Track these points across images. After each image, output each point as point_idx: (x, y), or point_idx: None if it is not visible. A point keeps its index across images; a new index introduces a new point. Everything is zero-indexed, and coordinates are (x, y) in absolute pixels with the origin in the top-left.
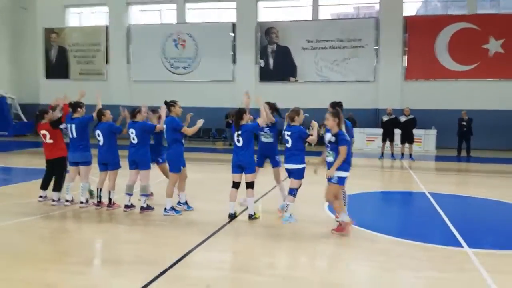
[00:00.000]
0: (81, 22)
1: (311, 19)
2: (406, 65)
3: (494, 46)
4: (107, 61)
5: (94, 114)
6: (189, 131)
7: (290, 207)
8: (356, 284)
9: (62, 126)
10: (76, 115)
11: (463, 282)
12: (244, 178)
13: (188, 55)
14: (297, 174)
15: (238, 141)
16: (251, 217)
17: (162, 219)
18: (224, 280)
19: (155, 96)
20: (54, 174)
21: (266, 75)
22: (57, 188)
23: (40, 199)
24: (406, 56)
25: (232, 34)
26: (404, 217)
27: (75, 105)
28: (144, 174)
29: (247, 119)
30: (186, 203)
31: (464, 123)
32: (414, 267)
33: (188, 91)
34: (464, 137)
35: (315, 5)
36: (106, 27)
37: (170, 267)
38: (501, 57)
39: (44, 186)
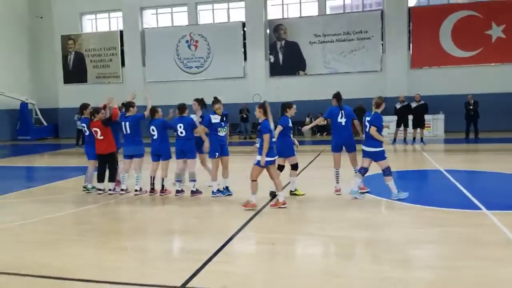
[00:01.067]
0: (96, 28)
1: (317, 14)
2: (411, 54)
3: (496, 31)
4: (123, 64)
5: (146, 113)
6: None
7: (392, 185)
8: (398, 239)
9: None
10: (129, 114)
11: (485, 232)
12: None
13: (200, 55)
14: (376, 156)
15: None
16: (291, 192)
17: (211, 199)
18: (285, 240)
19: (170, 95)
20: (108, 167)
21: (276, 70)
22: (112, 179)
23: (100, 191)
24: (411, 45)
25: (243, 32)
26: (426, 190)
27: (128, 105)
28: (192, 162)
29: (291, 113)
30: (227, 188)
31: (471, 107)
32: (443, 225)
33: (202, 89)
34: (472, 120)
35: (321, 1)
36: (121, 32)
37: (237, 232)
38: (503, 42)
39: (101, 179)
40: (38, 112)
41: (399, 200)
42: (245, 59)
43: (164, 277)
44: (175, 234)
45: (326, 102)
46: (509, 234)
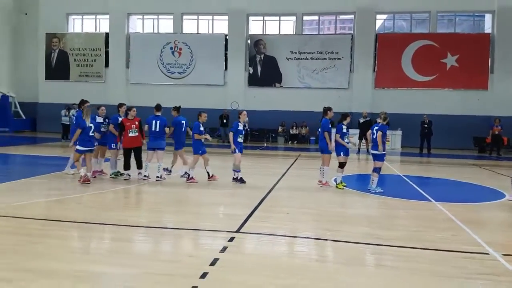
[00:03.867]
0: (82, 28)
1: (294, 33)
2: (376, 75)
3: (450, 60)
4: (106, 65)
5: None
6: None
7: (375, 181)
8: (376, 214)
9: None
10: (158, 114)
11: (433, 213)
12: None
13: (183, 62)
14: (378, 157)
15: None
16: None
17: (223, 184)
18: (294, 210)
19: (152, 97)
20: (135, 157)
21: (254, 80)
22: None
23: (127, 177)
24: (376, 67)
25: (225, 44)
26: (390, 187)
27: (158, 107)
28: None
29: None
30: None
31: (426, 125)
32: (405, 208)
33: (183, 94)
34: (426, 137)
35: (298, 21)
36: (107, 34)
37: (258, 205)
38: (456, 70)
39: (128, 167)
40: (18, 105)
41: (373, 192)
42: (226, 68)
43: (220, 226)
44: (211, 205)
45: (299, 113)
46: (449, 214)
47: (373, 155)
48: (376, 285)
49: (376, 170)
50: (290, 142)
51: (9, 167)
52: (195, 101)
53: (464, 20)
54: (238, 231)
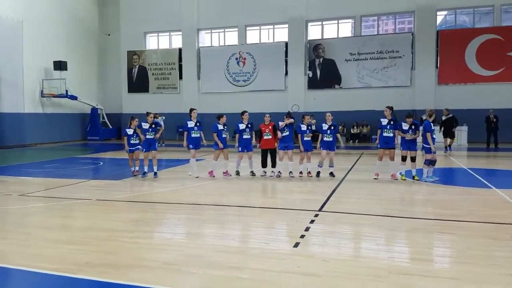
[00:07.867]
0: (158, 45)
1: (353, 35)
2: (439, 71)
3: None
4: (180, 77)
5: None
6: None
7: (429, 172)
8: (440, 199)
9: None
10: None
11: (493, 198)
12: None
13: (247, 70)
14: (427, 150)
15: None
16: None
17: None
18: (365, 197)
19: (220, 104)
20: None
21: (313, 83)
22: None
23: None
24: (439, 64)
25: (285, 50)
26: (455, 177)
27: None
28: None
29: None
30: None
31: (491, 120)
32: (468, 194)
33: (247, 100)
34: (492, 131)
35: (357, 23)
36: (180, 49)
37: (332, 192)
38: None
39: (265, 165)
40: (105, 116)
41: (434, 182)
42: (286, 74)
43: (305, 207)
44: (296, 192)
45: (359, 113)
46: (508, 198)
47: (423, 148)
48: (436, 244)
49: (427, 162)
50: (351, 141)
51: (116, 168)
52: (258, 106)
53: None
54: (320, 210)
